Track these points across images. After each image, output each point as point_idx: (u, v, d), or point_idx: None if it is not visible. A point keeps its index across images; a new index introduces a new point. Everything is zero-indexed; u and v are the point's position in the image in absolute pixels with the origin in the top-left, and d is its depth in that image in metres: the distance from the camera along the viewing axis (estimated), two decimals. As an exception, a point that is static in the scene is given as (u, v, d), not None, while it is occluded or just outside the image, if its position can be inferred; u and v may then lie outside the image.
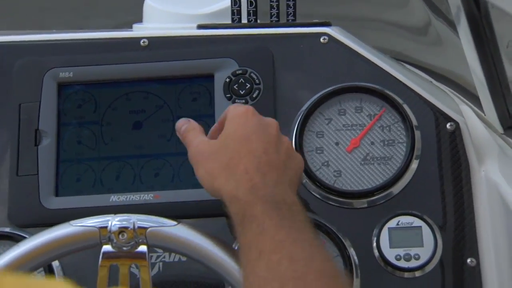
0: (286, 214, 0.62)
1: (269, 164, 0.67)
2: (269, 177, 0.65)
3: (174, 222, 0.68)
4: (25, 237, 0.77)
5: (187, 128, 0.74)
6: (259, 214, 0.60)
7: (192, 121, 0.74)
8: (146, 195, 0.79)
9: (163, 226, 0.67)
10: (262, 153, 0.67)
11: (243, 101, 0.82)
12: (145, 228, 0.65)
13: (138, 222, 0.65)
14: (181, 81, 0.84)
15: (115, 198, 0.78)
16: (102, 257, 0.66)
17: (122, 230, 0.65)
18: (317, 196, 0.81)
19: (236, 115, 0.71)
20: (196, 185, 0.74)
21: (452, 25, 0.90)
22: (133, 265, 0.70)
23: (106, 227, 0.65)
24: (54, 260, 0.74)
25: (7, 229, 0.80)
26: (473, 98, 0.94)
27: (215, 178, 0.67)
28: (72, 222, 0.67)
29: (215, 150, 0.68)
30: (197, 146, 0.70)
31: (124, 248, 0.66)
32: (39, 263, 0.68)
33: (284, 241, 0.59)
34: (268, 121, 0.72)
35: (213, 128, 0.73)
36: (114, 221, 0.65)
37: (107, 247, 0.66)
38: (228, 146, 0.68)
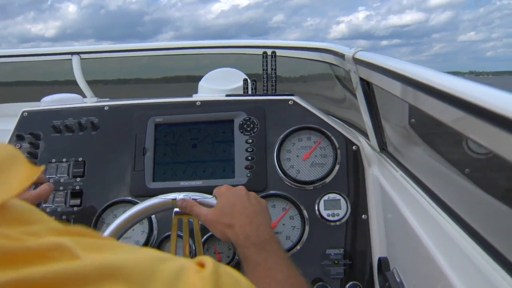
0: (269, 249, 0.80)
1: (250, 214, 0.86)
2: (254, 223, 0.85)
3: (211, 196, 0.96)
4: (137, 202, 1.07)
5: (188, 204, 0.94)
6: (253, 254, 0.79)
7: (187, 198, 0.94)
8: (198, 182, 1.13)
9: (204, 198, 0.95)
10: (244, 210, 0.87)
11: (249, 134, 1.16)
12: (195, 199, 0.95)
13: (192, 196, 0.95)
14: (217, 122, 1.19)
15: (183, 183, 1.13)
16: (174, 214, 0.97)
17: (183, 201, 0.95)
18: (288, 183, 1.14)
19: (221, 193, 0.93)
20: (224, 176, 1.10)
21: (354, 97, 1.14)
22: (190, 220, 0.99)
23: (175, 199, 0.96)
24: (152, 214, 1.02)
25: (129, 198, 1.13)
26: (363, 134, 1.27)
27: (224, 234, 0.86)
28: (159, 196, 0.97)
29: (218, 217, 0.88)
30: (206, 215, 0.91)
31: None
32: (145, 215, 0.97)
33: (270, 269, 0.76)
34: (238, 188, 0.94)
35: (200, 201, 0.95)
36: (179, 196, 0.96)
37: (176, 209, 0.96)
38: (225, 212, 0.88)
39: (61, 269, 0.33)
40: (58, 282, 0.33)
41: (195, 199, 0.95)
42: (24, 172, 0.39)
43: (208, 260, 0.45)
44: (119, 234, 0.94)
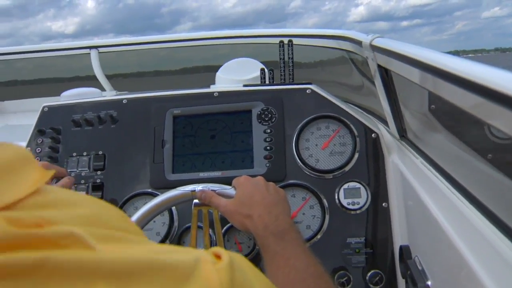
0: (288, 238, 0.81)
1: (269, 205, 0.87)
2: (273, 213, 0.85)
3: (229, 186, 0.98)
4: (158, 194, 1.09)
5: (207, 195, 0.96)
6: (272, 243, 0.80)
7: (205, 190, 0.96)
8: (217, 173, 1.14)
9: (223, 189, 0.97)
10: (262, 200, 0.88)
11: (267, 124, 1.16)
12: (214, 190, 0.97)
13: (211, 187, 0.98)
14: (235, 113, 1.20)
15: (202, 175, 1.14)
16: (194, 205, 1.00)
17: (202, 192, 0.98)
18: (307, 173, 1.14)
19: (240, 184, 0.94)
20: (243, 167, 1.11)
21: (373, 84, 1.14)
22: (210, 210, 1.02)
23: (195, 190, 0.98)
24: (172, 206, 1.04)
25: (149, 190, 1.15)
26: (383, 121, 1.26)
27: (243, 224, 0.88)
28: (178, 188, 1.00)
29: (237, 208, 0.90)
30: (225, 206, 0.92)
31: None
32: (164, 207, 1.00)
33: (290, 258, 0.77)
34: (257, 179, 0.95)
35: (219, 192, 0.96)
36: (198, 187, 0.98)
37: (196, 201, 0.99)
38: (243, 203, 0.89)
39: (72, 257, 0.33)
40: (68, 269, 0.32)
41: (214, 190, 0.96)
42: (35, 175, 0.39)
43: (223, 252, 0.44)
44: (139, 227, 0.94)
